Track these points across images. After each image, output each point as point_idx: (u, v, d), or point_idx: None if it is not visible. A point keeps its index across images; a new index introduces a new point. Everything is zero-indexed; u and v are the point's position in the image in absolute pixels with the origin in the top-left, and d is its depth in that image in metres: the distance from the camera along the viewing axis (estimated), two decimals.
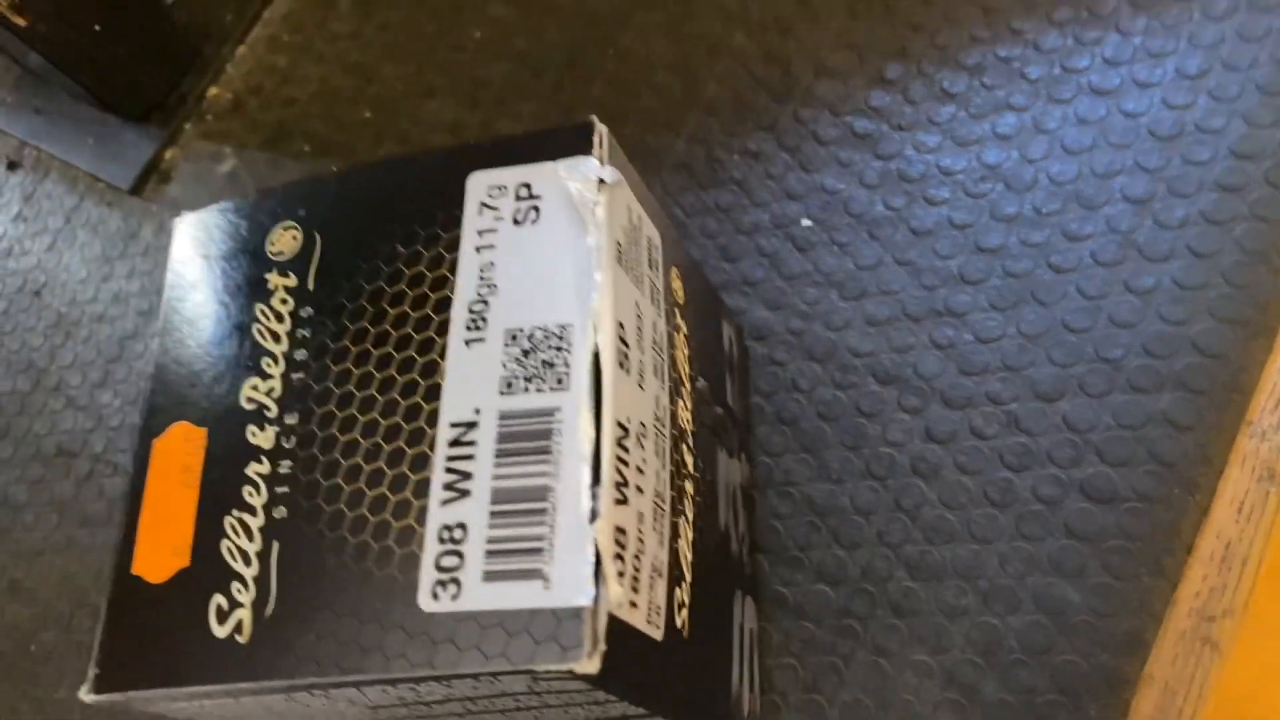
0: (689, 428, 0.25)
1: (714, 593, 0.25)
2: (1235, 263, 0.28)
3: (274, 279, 0.24)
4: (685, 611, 0.23)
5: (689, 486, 0.24)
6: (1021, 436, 0.28)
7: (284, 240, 0.24)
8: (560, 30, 0.39)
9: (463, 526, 0.20)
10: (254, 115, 0.43)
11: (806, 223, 0.32)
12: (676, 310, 0.25)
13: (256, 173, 0.41)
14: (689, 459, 0.24)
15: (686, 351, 0.26)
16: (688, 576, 0.23)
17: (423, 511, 0.20)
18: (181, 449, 0.23)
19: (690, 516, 0.24)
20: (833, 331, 0.31)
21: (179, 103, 0.44)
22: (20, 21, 0.39)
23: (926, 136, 0.32)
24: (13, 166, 0.45)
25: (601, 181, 0.22)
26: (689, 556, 0.23)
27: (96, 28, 0.40)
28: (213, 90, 0.44)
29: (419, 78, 0.41)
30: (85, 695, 0.22)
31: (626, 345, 0.22)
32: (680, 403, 0.24)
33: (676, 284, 0.26)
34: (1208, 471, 0.26)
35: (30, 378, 0.41)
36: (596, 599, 0.19)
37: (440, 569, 0.20)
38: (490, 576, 0.19)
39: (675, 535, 0.23)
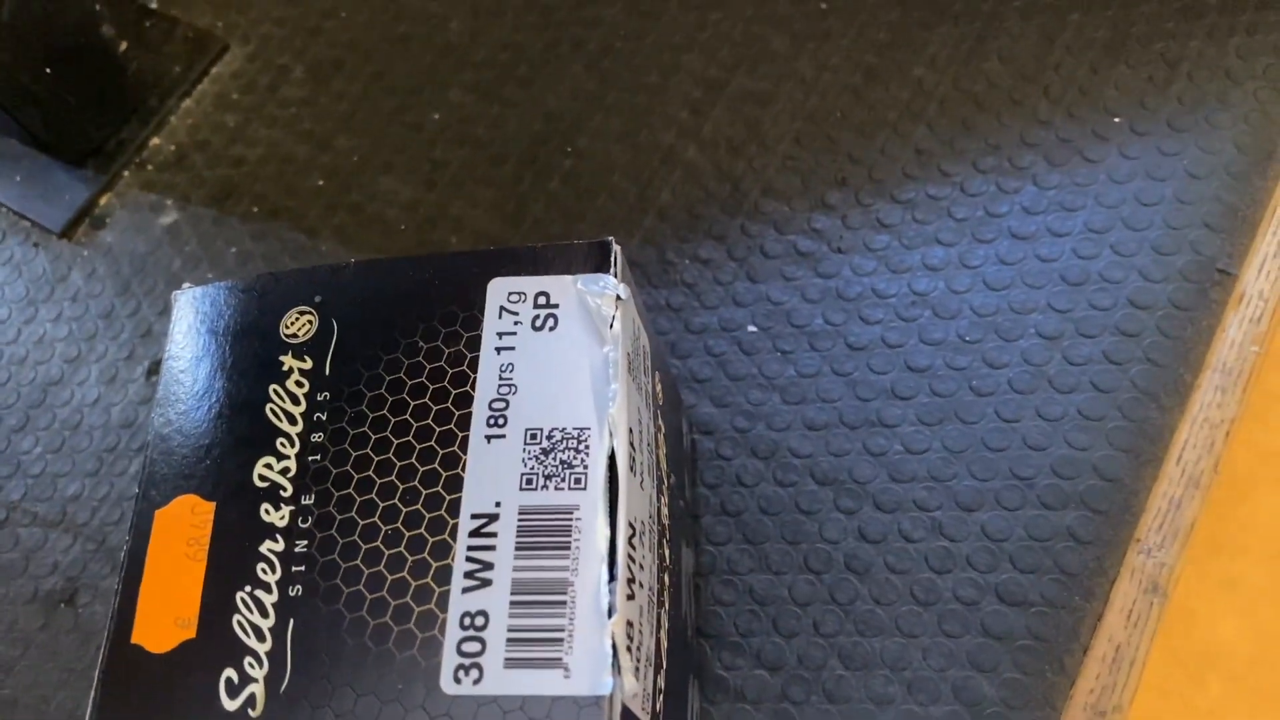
0: (667, 523, 0.27)
1: (678, 679, 0.27)
2: (1130, 399, 0.32)
3: (289, 360, 0.25)
4: (662, 698, 0.25)
5: (667, 579, 0.26)
6: (945, 541, 0.31)
7: (299, 324, 0.25)
8: (519, 124, 0.41)
9: (484, 614, 0.21)
10: (199, 170, 0.43)
11: (752, 329, 0.35)
12: (659, 411, 0.27)
13: (201, 229, 0.41)
14: (667, 553, 0.26)
15: (664, 449, 0.28)
16: (664, 664, 0.25)
17: (444, 597, 0.22)
18: (188, 521, 0.24)
19: (668, 607, 0.26)
20: (775, 432, 0.33)
21: (118, 149, 0.43)
22: None
23: (863, 260, 0.35)
24: None
25: (618, 297, 0.24)
26: (665, 645, 0.25)
27: (48, 69, 0.40)
28: (155, 141, 0.44)
29: (374, 152, 0.42)
30: None
31: (634, 449, 0.24)
32: (663, 499, 0.26)
33: (658, 387, 0.28)
34: (1103, 582, 0.30)
35: None
36: (614, 689, 0.20)
37: (462, 653, 0.21)
38: (511, 664, 0.21)
39: (658, 626, 0.25)
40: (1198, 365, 0.32)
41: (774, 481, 0.33)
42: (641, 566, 0.23)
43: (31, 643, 0.35)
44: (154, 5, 0.47)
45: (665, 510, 0.27)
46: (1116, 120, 0.36)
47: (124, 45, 0.43)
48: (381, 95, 0.43)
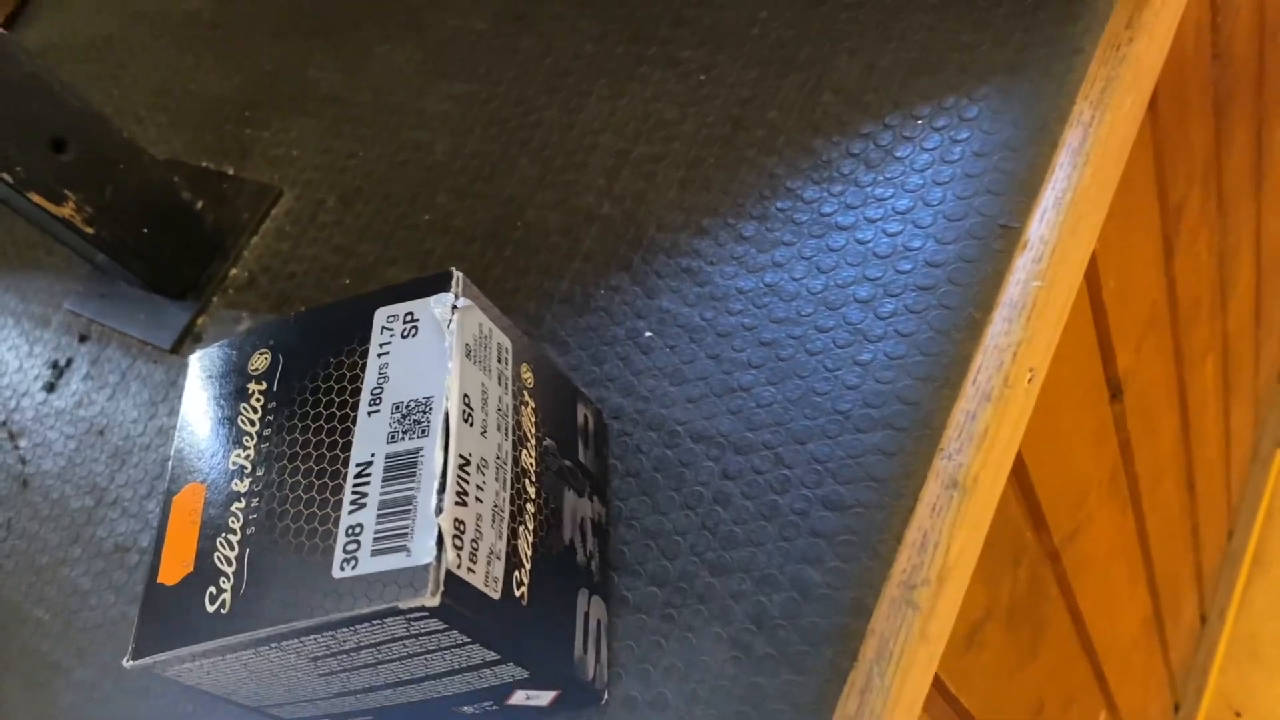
0: (532, 468, 0.36)
1: (558, 585, 0.36)
2: (928, 338, 0.39)
3: (252, 386, 0.36)
4: (524, 589, 0.34)
5: (530, 508, 0.35)
6: (785, 470, 0.39)
7: (260, 361, 0.37)
8: (485, 210, 0.53)
9: (361, 525, 0.32)
10: (264, 288, 0.56)
11: (648, 334, 0.44)
12: (525, 391, 0.37)
13: None
14: (531, 490, 0.36)
15: (534, 419, 0.37)
16: (527, 565, 0.34)
17: (337, 519, 0.32)
18: (190, 500, 0.35)
19: (531, 527, 0.35)
20: (664, 409, 0.42)
21: (207, 282, 0.57)
22: (89, 230, 0.53)
23: (728, 267, 0.44)
24: (83, 339, 0.59)
25: (454, 307, 0.34)
26: (528, 553, 0.35)
27: (144, 230, 0.55)
28: (233, 271, 0.58)
29: (384, 252, 0.54)
30: (127, 662, 0.33)
31: (471, 409, 0.33)
32: (524, 451, 0.36)
33: (527, 374, 0.38)
34: (911, 484, 0.37)
35: (94, 496, 0.53)
36: (438, 559, 0.30)
37: (345, 552, 0.31)
38: (376, 554, 0.31)
39: (514, 536, 0.34)
40: (988, 304, 0.39)
41: (663, 446, 0.42)
42: (480, 487, 0.33)
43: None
44: (230, 172, 0.61)
45: (531, 460, 0.36)
46: (920, 122, 0.44)
47: (201, 203, 0.57)
48: (389, 208, 0.56)
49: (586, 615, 0.37)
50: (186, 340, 0.57)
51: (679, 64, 0.51)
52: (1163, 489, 0.87)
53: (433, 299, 0.35)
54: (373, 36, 0.63)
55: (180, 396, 0.55)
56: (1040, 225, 0.40)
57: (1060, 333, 0.42)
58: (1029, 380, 0.39)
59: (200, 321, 0.57)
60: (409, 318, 0.35)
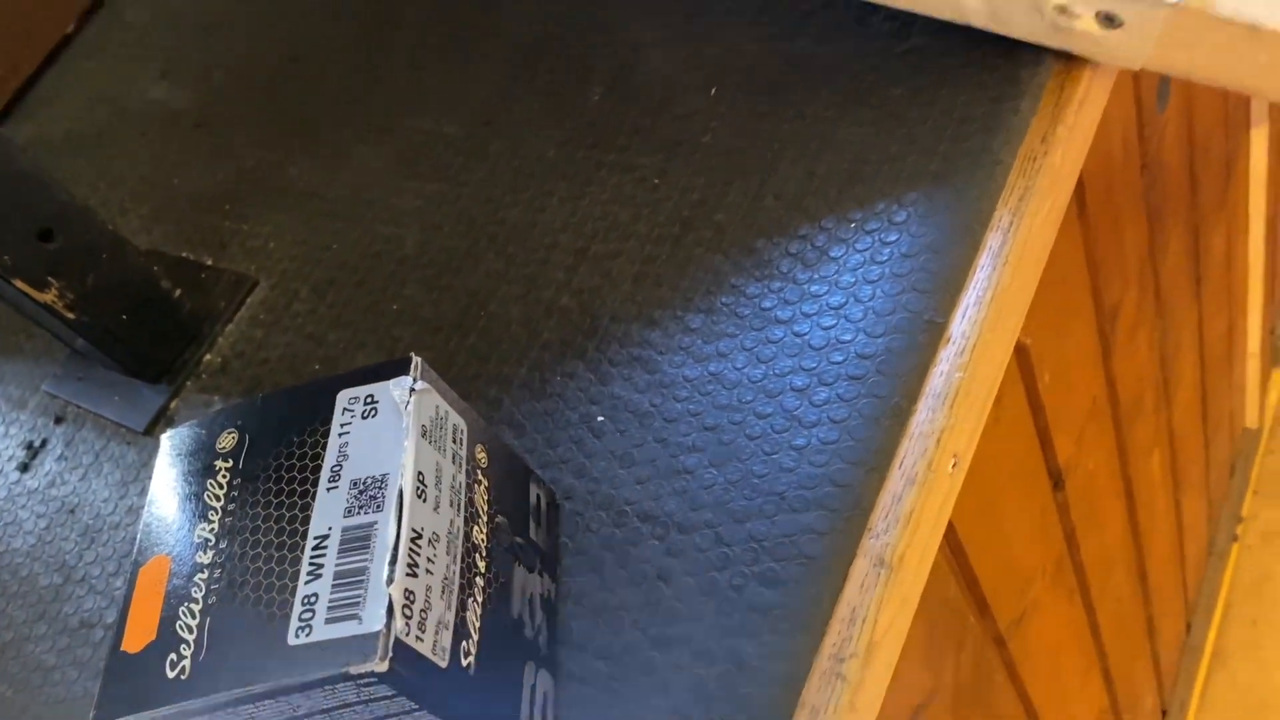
0: (483, 544, 0.38)
1: (506, 656, 0.38)
2: (858, 425, 0.42)
3: (220, 464, 0.39)
4: (471, 659, 0.36)
5: (480, 581, 0.37)
6: (724, 548, 0.41)
7: (227, 440, 0.39)
8: (450, 302, 0.55)
9: (316, 594, 0.33)
10: (237, 373, 0.59)
11: (601, 418, 0.47)
12: (479, 470, 0.39)
13: None
14: (481, 564, 0.38)
15: (487, 496, 0.39)
16: (475, 636, 0.36)
17: (294, 589, 0.34)
18: (156, 571, 0.37)
19: (480, 600, 0.37)
20: (614, 490, 0.45)
21: (182, 367, 0.60)
22: (70, 316, 0.56)
23: (676, 357, 0.47)
24: (59, 420, 0.61)
25: (412, 390, 0.37)
26: (476, 624, 0.36)
27: (124, 317, 0.57)
28: (207, 357, 0.60)
29: (354, 339, 0.57)
30: None
31: (425, 485, 0.36)
32: (476, 527, 0.38)
33: (481, 455, 0.40)
34: (841, 562, 0.40)
35: (63, 574, 0.55)
36: (388, 627, 0.32)
37: (300, 620, 0.33)
38: (329, 621, 0.33)
39: (463, 608, 0.36)
40: (914, 394, 0.42)
41: (611, 525, 0.44)
42: (431, 560, 0.35)
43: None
44: (208, 263, 0.64)
45: (483, 536, 0.38)
46: (853, 225, 0.47)
47: (179, 292, 0.60)
48: (360, 298, 0.58)
49: (533, 687, 0.39)
50: (160, 423, 0.59)
51: (635, 169, 0.55)
52: (1114, 579, 0.90)
53: (392, 382, 0.38)
54: (350, 138, 0.67)
55: (150, 478, 0.57)
56: (963, 321, 0.43)
57: (984, 422, 0.45)
58: (953, 466, 0.42)
59: (173, 405, 0.59)
60: (369, 400, 0.38)
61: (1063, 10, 0.45)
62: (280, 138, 0.70)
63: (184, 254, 0.66)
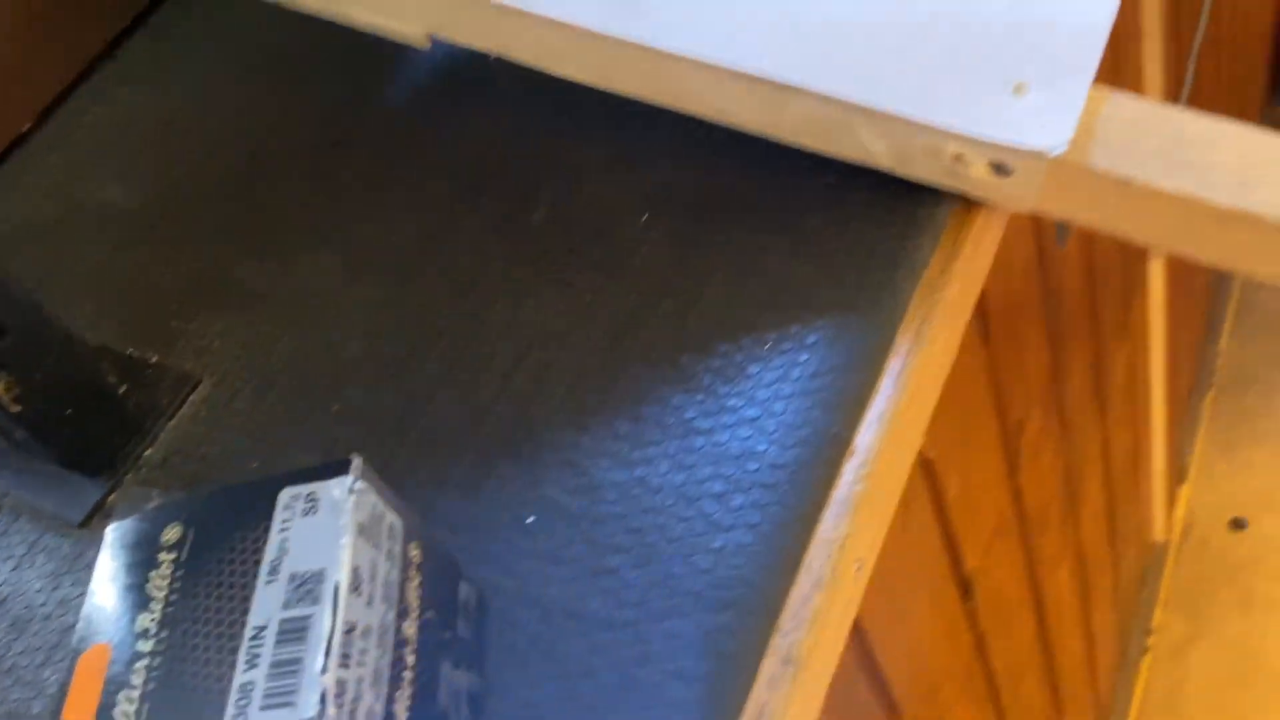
0: (413, 638, 0.40)
1: None
2: (770, 530, 0.45)
3: (163, 556, 0.40)
4: None
5: (408, 674, 0.39)
6: (644, 645, 0.43)
7: (172, 533, 0.41)
8: (390, 405, 0.58)
9: (253, 683, 0.35)
10: (177, 468, 0.60)
11: (531, 519, 0.49)
12: (413, 567, 0.42)
13: None
14: (410, 657, 0.40)
15: (419, 592, 0.42)
16: None
17: (230, 679, 0.36)
18: (96, 659, 0.38)
19: (409, 692, 0.39)
20: (541, 588, 0.47)
21: (122, 461, 0.61)
22: (15, 408, 0.57)
23: (603, 460, 0.50)
24: None
25: (351, 490, 0.39)
26: (404, 715, 0.38)
27: (68, 411, 0.59)
28: (148, 452, 0.62)
29: (294, 438, 0.59)
30: None
31: (360, 580, 0.38)
32: (407, 621, 0.40)
33: (415, 552, 0.42)
34: (751, 660, 0.42)
35: None
36: (320, 714, 0.34)
37: (236, 707, 0.35)
38: (264, 708, 0.35)
39: (392, 700, 0.38)
40: (820, 502, 0.46)
41: (538, 622, 0.46)
42: (363, 651, 0.37)
43: None
44: (154, 360, 0.66)
45: (413, 630, 0.40)
46: (768, 345, 0.51)
47: (124, 388, 0.61)
48: (301, 399, 0.61)
49: None
50: (96, 516, 0.60)
51: (571, 285, 0.59)
52: (1025, 688, 0.93)
53: (333, 481, 0.40)
54: (300, 243, 0.70)
55: (86, 569, 0.58)
56: (866, 435, 0.47)
57: (889, 529, 0.48)
58: (857, 569, 0.45)
59: (111, 499, 0.60)
60: (310, 497, 0.40)
61: (959, 159, 0.50)
62: (231, 240, 0.73)
63: (130, 350, 0.68)
